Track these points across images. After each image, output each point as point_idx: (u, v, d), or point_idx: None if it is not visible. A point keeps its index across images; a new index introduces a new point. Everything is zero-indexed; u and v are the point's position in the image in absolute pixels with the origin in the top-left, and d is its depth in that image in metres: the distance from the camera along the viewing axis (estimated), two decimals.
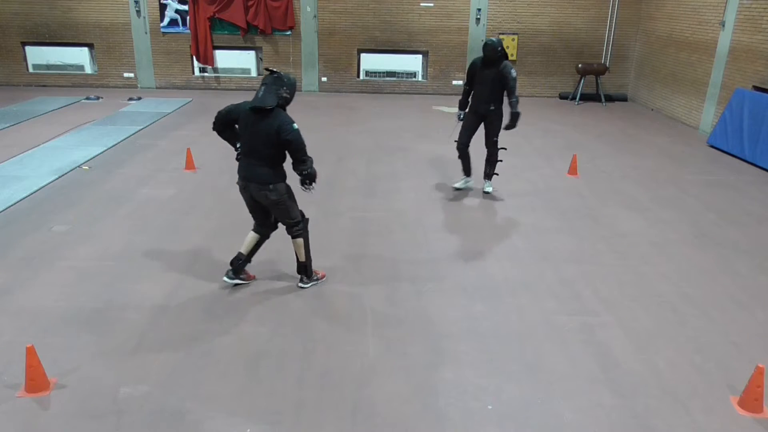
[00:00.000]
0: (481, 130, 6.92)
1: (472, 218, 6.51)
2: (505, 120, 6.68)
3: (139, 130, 9.95)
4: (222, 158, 8.24)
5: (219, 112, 4.53)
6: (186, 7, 13.57)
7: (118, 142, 9.16)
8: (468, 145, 6.96)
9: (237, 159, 4.56)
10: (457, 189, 7.29)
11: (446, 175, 7.96)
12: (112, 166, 7.96)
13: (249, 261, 4.78)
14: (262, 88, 4.34)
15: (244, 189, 4.53)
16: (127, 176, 7.57)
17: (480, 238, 5.98)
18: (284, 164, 4.50)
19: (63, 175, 7.50)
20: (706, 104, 10.83)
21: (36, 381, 3.52)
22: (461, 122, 6.97)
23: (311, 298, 4.71)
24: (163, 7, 13.62)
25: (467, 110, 6.92)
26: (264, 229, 4.73)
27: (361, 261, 5.39)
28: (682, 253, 5.72)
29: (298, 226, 4.68)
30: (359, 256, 5.50)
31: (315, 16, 13.75)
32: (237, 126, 4.49)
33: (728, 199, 7.31)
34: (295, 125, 4.32)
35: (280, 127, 4.26)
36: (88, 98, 12.71)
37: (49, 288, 4.74)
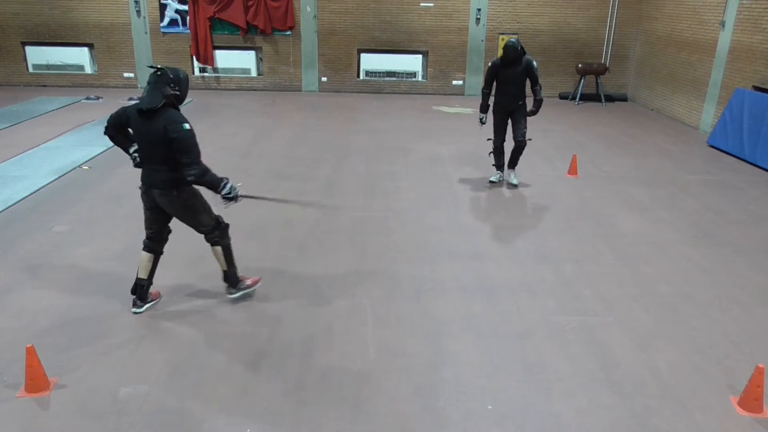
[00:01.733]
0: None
1: (471, 218, 6.51)
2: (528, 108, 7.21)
3: None
4: (221, 158, 8.24)
5: (111, 115, 4.19)
6: (186, 7, 13.57)
7: None
8: (504, 141, 7.37)
9: (136, 166, 4.25)
10: (493, 182, 7.60)
11: (446, 175, 7.96)
12: (112, 166, 7.96)
13: (151, 283, 4.46)
14: (147, 87, 4.01)
15: (145, 194, 4.23)
16: (127, 176, 7.56)
17: (480, 238, 5.98)
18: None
19: (63, 175, 7.50)
20: (706, 104, 10.82)
21: (36, 381, 3.52)
22: (483, 124, 7.39)
23: (311, 298, 4.70)
24: (163, 7, 13.62)
25: (493, 110, 7.24)
26: (156, 245, 4.41)
27: (361, 261, 5.39)
28: (682, 253, 5.72)
29: (213, 234, 4.37)
30: (359, 256, 5.50)
31: (315, 16, 13.75)
32: (130, 130, 4.16)
33: (728, 199, 7.31)
34: (186, 125, 3.95)
35: (166, 127, 3.92)
36: (88, 98, 12.71)
37: (49, 288, 4.74)
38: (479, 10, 13.72)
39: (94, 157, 8.33)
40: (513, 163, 7.58)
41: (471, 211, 6.72)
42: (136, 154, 4.24)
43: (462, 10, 13.76)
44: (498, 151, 7.47)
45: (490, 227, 6.28)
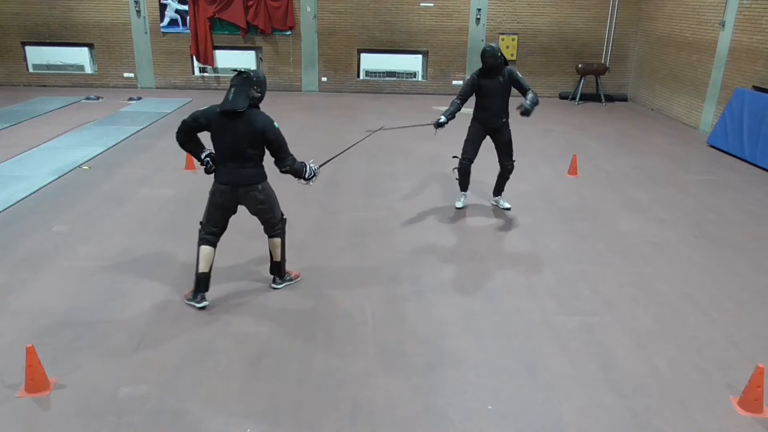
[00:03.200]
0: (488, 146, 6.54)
1: (472, 218, 6.51)
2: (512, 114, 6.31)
3: (139, 130, 9.95)
4: None
5: (184, 122, 4.35)
6: (186, 7, 13.57)
7: (118, 142, 9.16)
8: (473, 161, 6.51)
9: (208, 171, 4.45)
10: (459, 209, 6.73)
11: (446, 175, 7.95)
12: (112, 166, 7.96)
13: (210, 276, 4.56)
14: (232, 89, 4.22)
15: (228, 194, 4.37)
16: (127, 176, 7.57)
17: (480, 238, 5.98)
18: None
19: (63, 175, 7.50)
20: (706, 104, 10.83)
21: (36, 381, 3.52)
22: (439, 126, 6.23)
23: (311, 298, 4.71)
24: (163, 7, 13.62)
25: (472, 124, 6.42)
26: (217, 240, 4.56)
27: (361, 261, 5.39)
28: (682, 253, 5.72)
29: (278, 226, 4.67)
30: (359, 256, 5.50)
31: (315, 16, 13.75)
32: (210, 133, 4.31)
33: (728, 199, 7.31)
34: (276, 124, 4.33)
35: (265, 128, 4.24)
36: (88, 98, 12.71)
37: (49, 288, 4.74)
38: (479, 10, 13.71)
39: (94, 157, 8.32)
40: (499, 190, 6.81)
41: (471, 211, 6.72)
42: (208, 159, 4.45)
43: (462, 10, 13.76)
44: (465, 171, 6.53)
45: (490, 227, 6.28)
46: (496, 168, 6.79)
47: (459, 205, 6.80)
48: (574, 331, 4.34)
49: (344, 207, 6.72)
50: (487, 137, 6.47)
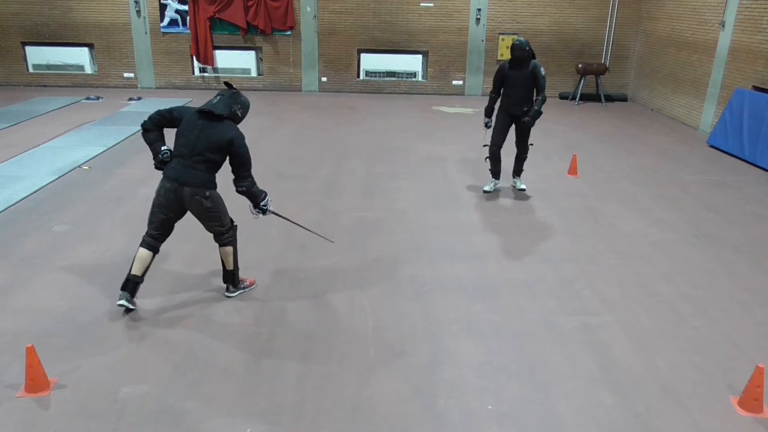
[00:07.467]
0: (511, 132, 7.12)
1: (472, 218, 6.51)
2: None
3: (140, 130, 9.94)
4: None
5: (158, 111, 4.38)
6: (186, 7, 13.57)
7: (118, 142, 9.16)
8: (501, 147, 7.04)
9: (158, 166, 4.38)
10: (487, 192, 7.28)
11: (446, 175, 7.96)
12: (112, 166, 7.96)
13: (142, 281, 4.40)
14: (217, 97, 4.33)
15: (172, 192, 4.22)
16: (127, 176, 7.57)
17: (480, 238, 5.98)
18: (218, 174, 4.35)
19: (63, 175, 7.50)
20: (706, 104, 10.83)
21: (36, 381, 3.52)
22: (489, 128, 7.14)
23: (311, 298, 4.70)
24: (163, 7, 13.62)
25: (498, 112, 7.00)
26: (158, 245, 4.41)
27: (361, 261, 5.39)
28: (682, 253, 5.72)
29: (228, 234, 4.49)
30: (359, 256, 5.50)
31: (315, 16, 13.75)
32: (177, 129, 4.31)
33: (728, 199, 7.31)
34: (245, 141, 4.33)
35: (233, 139, 4.23)
36: (88, 98, 12.71)
37: (49, 288, 4.74)
38: (479, 10, 13.72)
39: (94, 157, 8.33)
40: (517, 172, 7.37)
41: (471, 211, 6.72)
42: (167, 154, 4.35)
43: (462, 10, 13.76)
44: (494, 158, 7.11)
45: (490, 227, 6.28)
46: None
47: (488, 188, 7.32)
48: (574, 331, 4.34)
49: (344, 207, 6.72)
50: (513, 125, 7.00)
